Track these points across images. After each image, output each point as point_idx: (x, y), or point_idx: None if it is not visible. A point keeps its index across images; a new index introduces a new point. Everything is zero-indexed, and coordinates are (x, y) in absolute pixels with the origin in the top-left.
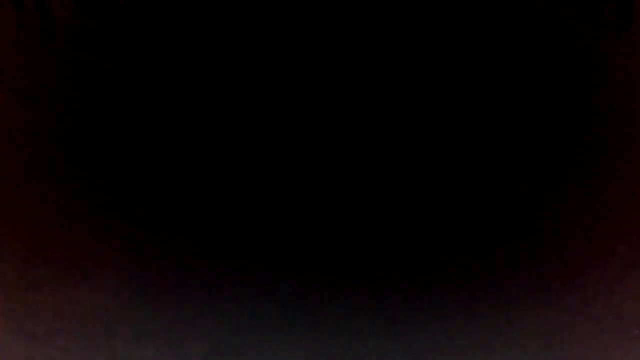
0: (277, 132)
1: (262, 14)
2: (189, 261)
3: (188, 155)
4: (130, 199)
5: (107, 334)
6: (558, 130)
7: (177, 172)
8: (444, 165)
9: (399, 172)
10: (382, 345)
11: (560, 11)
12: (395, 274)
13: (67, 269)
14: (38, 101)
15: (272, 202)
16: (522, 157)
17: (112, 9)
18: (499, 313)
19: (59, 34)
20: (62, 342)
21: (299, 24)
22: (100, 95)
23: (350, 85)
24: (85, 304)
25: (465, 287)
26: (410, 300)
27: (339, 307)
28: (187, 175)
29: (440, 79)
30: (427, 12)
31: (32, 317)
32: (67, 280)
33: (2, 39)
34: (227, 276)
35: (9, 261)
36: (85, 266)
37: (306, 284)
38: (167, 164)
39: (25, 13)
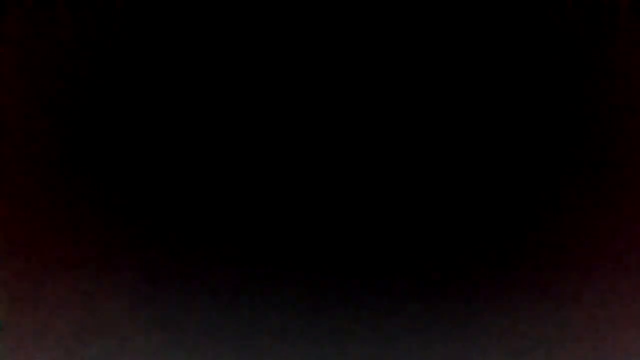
0: (279, 135)
1: (262, 13)
2: (193, 265)
3: (192, 158)
4: (134, 203)
5: (107, 337)
6: (557, 132)
7: (183, 176)
8: (445, 165)
9: (400, 174)
10: (382, 346)
11: (561, 10)
12: (397, 275)
13: (68, 269)
14: (40, 103)
15: (276, 205)
16: (522, 157)
17: (112, 10)
18: (499, 315)
19: (60, 35)
20: (66, 344)
21: (299, 24)
22: (100, 97)
23: (354, 88)
24: (86, 305)
25: (466, 288)
26: (410, 300)
27: (337, 307)
28: (194, 180)
29: (439, 79)
30: (425, 10)
31: (33, 316)
32: (67, 281)
33: (5, 40)
34: (230, 278)
35: (8, 261)
36: (86, 267)
37: (307, 286)
38: (171, 167)
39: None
